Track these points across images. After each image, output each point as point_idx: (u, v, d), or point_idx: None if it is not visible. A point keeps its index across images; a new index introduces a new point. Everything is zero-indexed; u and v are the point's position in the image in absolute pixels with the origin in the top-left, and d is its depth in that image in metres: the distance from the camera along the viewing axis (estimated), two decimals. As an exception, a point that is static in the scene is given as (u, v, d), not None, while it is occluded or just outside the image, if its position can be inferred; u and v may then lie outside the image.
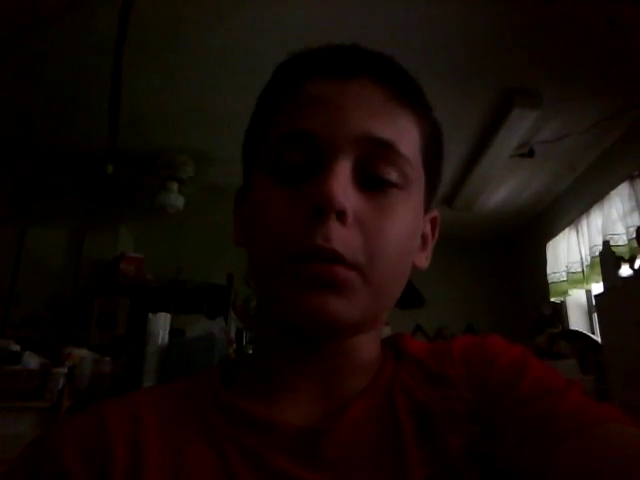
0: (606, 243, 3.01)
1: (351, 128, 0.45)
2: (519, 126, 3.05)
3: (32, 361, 2.43)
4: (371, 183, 0.46)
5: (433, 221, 0.58)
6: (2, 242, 4.06)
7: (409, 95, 0.50)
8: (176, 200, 3.71)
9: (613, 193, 3.23)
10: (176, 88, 2.95)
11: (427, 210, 0.55)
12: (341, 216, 0.43)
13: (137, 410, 0.48)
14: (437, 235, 0.58)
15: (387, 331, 0.55)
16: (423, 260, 0.55)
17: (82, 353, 2.48)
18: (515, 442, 0.42)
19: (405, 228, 0.47)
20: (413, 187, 0.48)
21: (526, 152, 3.37)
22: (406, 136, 0.48)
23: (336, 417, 0.46)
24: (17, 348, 2.53)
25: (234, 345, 2.98)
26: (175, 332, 2.70)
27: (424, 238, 0.56)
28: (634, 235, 2.80)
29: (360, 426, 0.46)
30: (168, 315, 2.70)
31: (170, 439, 0.45)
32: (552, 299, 3.95)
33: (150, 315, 2.68)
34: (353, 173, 0.45)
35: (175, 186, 3.71)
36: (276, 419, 0.46)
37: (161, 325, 2.66)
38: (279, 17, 2.38)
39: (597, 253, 3.17)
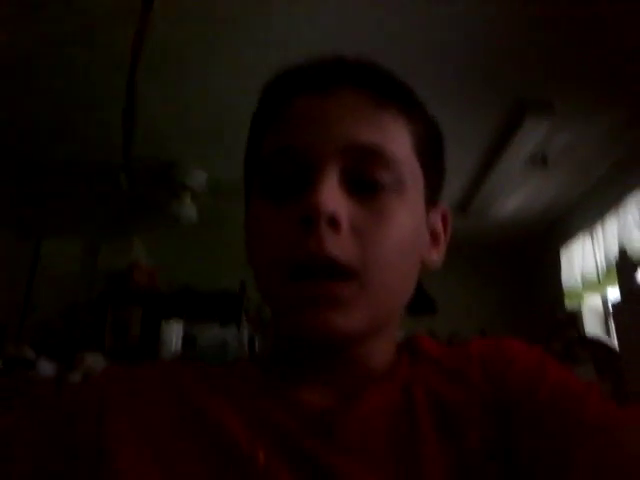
0: (622, 250, 2.97)
1: (336, 138, 0.46)
2: (532, 135, 3.04)
3: (46, 367, 2.44)
4: (363, 188, 0.46)
5: (444, 216, 0.57)
6: (18, 253, 4.10)
7: (395, 97, 0.50)
8: (189, 211, 3.75)
9: (628, 200, 3.20)
10: (190, 100, 2.98)
11: (431, 207, 0.54)
12: (333, 222, 0.43)
13: (176, 375, 0.50)
14: (450, 230, 0.57)
15: (401, 336, 0.56)
16: (434, 257, 0.55)
17: (96, 359, 2.49)
18: (534, 444, 0.42)
19: (404, 229, 0.47)
20: (408, 187, 0.48)
21: (539, 160, 3.35)
22: (394, 138, 0.48)
23: (350, 404, 0.47)
24: (32, 354, 2.54)
25: (247, 352, 2.97)
26: (188, 340, 2.71)
27: (435, 234, 0.55)
28: (650, 241, 2.76)
29: (374, 414, 0.46)
30: (181, 323, 2.71)
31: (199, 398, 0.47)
32: (567, 305, 3.91)
33: (163, 323, 2.70)
34: (343, 181, 0.46)
35: (188, 197, 3.74)
36: (299, 398, 0.47)
37: (174, 333, 2.68)
38: (296, 33, 2.41)
39: (613, 260, 3.14)
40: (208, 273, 4.29)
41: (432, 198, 0.53)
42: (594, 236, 3.63)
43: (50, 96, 2.96)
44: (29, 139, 3.41)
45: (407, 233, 0.47)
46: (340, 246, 0.43)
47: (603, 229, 3.49)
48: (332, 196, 0.43)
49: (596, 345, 2.66)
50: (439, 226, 0.56)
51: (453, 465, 0.43)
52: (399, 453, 0.44)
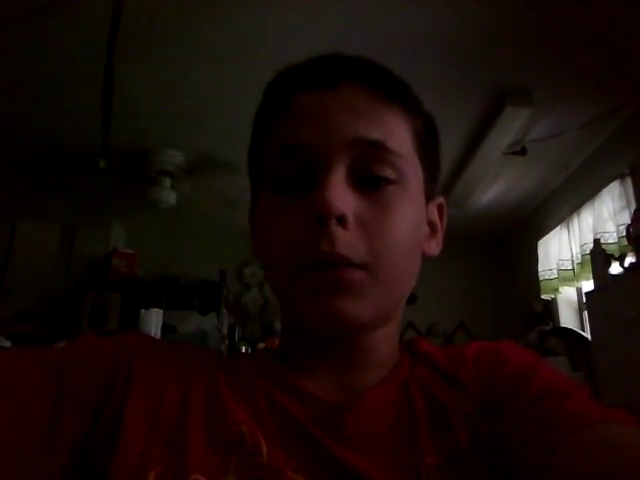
0: (597, 241, 3.02)
1: (339, 135, 0.47)
2: (511, 124, 3.06)
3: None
4: (368, 183, 0.48)
5: (440, 208, 0.59)
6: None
7: (394, 93, 0.51)
8: (168, 196, 3.70)
9: (604, 192, 3.25)
10: (169, 83, 2.93)
11: (430, 199, 0.56)
12: (342, 220, 0.45)
13: (197, 360, 0.51)
14: (446, 220, 0.60)
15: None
16: (433, 247, 0.57)
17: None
18: (519, 440, 0.43)
19: (407, 221, 0.49)
20: (409, 180, 0.50)
21: (518, 150, 3.38)
22: (395, 133, 0.49)
23: (357, 399, 0.48)
24: (8, 344, 2.51)
25: (226, 341, 2.98)
26: (167, 328, 2.70)
27: (432, 225, 0.58)
28: (624, 233, 2.82)
29: (378, 410, 0.48)
30: (160, 311, 2.69)
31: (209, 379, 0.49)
32: (543, 296, 3.98)
33: (142, 311, 2.67)
34: (348, 177, 0.47)
35: (167, 181, 3.70)
36: (309, 390, 0.49)
37: (153, 321, 2.66)
38: (274, 18, 2.36)
39: (588, 251, 3.19)
40: (187, 258, 4.27)
41: (430, 190, 0.55)
42: (570, 227, 3.69)
43: (25, 77, 2.88)
44: (5, 121, 3.32)
45: (411, 225, 0.49)
46: (349, 243, 0.45)
47: (579, 220, 3.55)
48: (341, 195, 0.45)
49: (570, 337, 2.72)
50: (436, 217, 0.59)
51: (447, 460, 0.45)
52: (401, 447, 0.46)
